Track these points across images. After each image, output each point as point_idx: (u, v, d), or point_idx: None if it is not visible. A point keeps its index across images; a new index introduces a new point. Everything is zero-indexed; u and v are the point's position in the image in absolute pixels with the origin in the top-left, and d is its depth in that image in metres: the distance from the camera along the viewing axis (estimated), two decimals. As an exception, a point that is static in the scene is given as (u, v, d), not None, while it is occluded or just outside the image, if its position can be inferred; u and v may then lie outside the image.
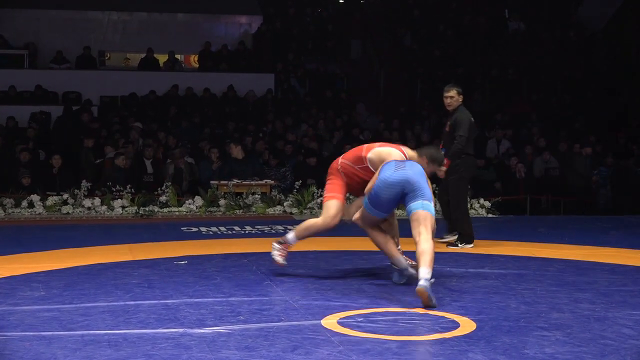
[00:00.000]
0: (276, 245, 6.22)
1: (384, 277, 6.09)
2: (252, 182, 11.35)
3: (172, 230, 9.25)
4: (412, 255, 5.56)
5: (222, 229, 9.31)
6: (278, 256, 6.19)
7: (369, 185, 5.77)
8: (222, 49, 17.90)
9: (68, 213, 10.59)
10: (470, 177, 8.16)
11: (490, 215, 11.13)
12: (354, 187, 6.14)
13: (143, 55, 17.66)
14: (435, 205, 5.78)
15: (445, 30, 19.01)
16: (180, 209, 10.96)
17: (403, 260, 5.81)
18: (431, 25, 19.14)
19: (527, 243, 8.19)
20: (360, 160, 6.02)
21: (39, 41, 17.85)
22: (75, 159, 12.61)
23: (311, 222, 6.22)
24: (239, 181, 11.29)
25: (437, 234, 6.40)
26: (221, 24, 19.40)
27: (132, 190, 10.97)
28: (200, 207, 10.95)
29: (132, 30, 18.78)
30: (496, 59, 18.33)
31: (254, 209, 10.94)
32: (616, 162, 13.71)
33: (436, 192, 7.74)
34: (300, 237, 6.20)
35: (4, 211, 10.50)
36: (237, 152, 11.85)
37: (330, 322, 4.71)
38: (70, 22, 18.28)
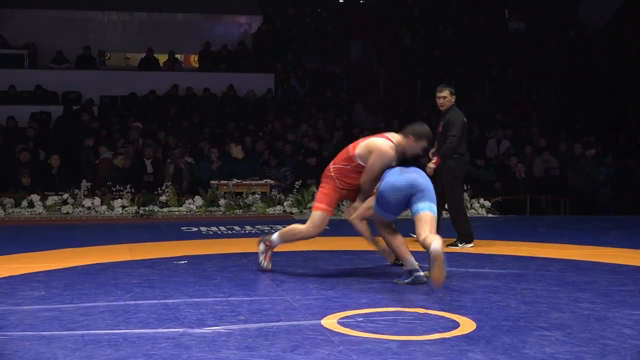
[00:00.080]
0: (261, 247, 6.29)
1: (384, 277, 6.10)
2: (252, 182, 11.36)
3: (172, 230, 9.25)
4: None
5: (222, 228, 9.31)
6: (264, 261, 6.26)
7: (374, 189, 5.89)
8: (222, 49, 17.91)
9: (68, 213, 10.59)
10: (464, 177, 8.18)
11: (490, 215, 11.13)
12: (352, 189, 6.15)
13: (143, 55, 17.66)
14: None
15: (445, 30, 19.01)
16: (180, 208, 10.96)
17: (414, 261, 5.83)
18: (431, 25, 19.15)
19: (527, 243, 8.20)
20: (350, 159, 6.05)
21: (39, 41, 17.85)
22: (75, 158, 12.60)
23: (296, 228, 6.25)
24: (239, 181, 11.30)
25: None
26: (221, 24, 19.40)
27: (132, 190, 10.97)
28: (200, 207, 10.95)
29: (132, 30, 18.79)
30: (496, 59, 18.33)
31: (254, 208, 10.95)
32: (616, 162, 13.71)
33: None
34: (284, 241, 6.27)
35: (4, 211, 10.50)
36: (237, 151, 11.86)
37: (330, 321, 4.71)
38: (70, 22, 18.28)
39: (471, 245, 7.76)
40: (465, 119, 7.80)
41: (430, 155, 7.79)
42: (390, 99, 17.44)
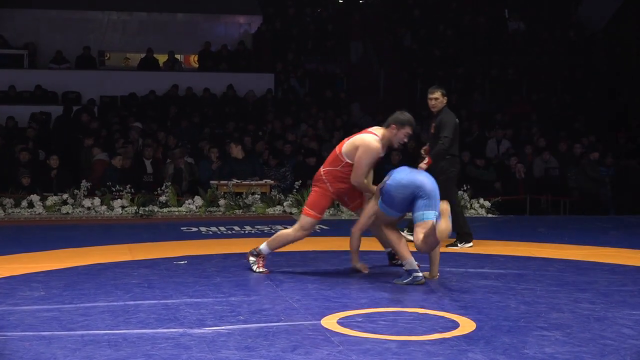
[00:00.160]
0: (252, 259, 6.30)
1: (383, 277, 6.10)
2: (251, 182, 11.35)
3: (171, 230, 9.25)
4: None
5: (222, 229, 9.31)
6: (258, 268, 6.25)
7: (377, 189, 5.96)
8: (222, 49, 17.90)
9: (68, 213, 10.59)
10: (458, 177, 8.18)
11: (490, 215, 11.13)
12: (343, 191, 6.15)
13: (143, 55, 17.65)
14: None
15: (445, 30, 19.01)
16: (180, 209, 10.96)
17: (414, 262, 5.85)
18: (431, 25, 19.14)
19: (527, 243, 8.20)
20: (338, 160, 6.07)
21: (38, 41, 17.84)
22: (74, 159, 12.60)
23: (283, 233, 6.30)
24: (239, 181, 11.29)
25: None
26: (221, 24, 19.39)
27: (132, 190, 10.97)
28: (200, 207, 10.95)
29: (131, 30, 18.78)
30: (496, 59, 18.33)
31: (253, 209, 10.94)
32: (616, 162, 13.71)
33: None
34: (273, 248, 6.31)
35: (4, 211, 10.50)
36: (237, 151, 11.85)
37: (330, 321, 4.71)
38: (70, 22, 18.27)
39: (470, 244, 7.77)
40: (457, 120, 7.82)
41: (422, 152, 7.83)
42: (390, 99, 17.43)
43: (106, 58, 18.87)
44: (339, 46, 18.58)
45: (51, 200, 10.65)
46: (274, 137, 14.37)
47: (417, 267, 5.85)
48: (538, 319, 4.81)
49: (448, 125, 7.63)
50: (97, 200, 10.74)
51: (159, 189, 11.18)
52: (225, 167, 11.72)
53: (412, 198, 5.75)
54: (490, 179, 12.85)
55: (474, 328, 4.58)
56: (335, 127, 15.14)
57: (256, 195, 11.08)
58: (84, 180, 10.98)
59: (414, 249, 5.97)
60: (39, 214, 10.55)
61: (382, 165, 8.04)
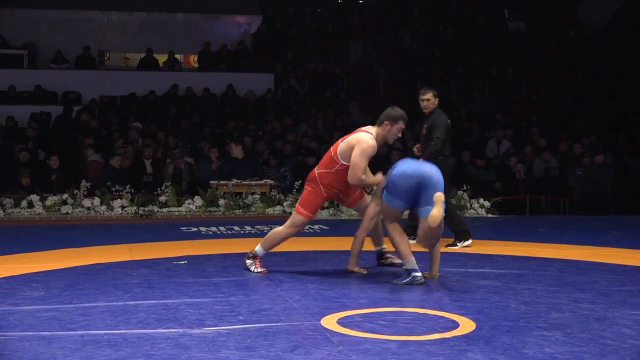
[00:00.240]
0: (248, 262, 6.30)
1: (383, 277, 6.09)
2: (251, 182, 11.34)
3: (171, 230, 9.24)
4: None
5: (222, 228, 9.30)
6: (256, 269, 6.25)
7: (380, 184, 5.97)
8: (222, 49, 17.90)
9: (67, 213, 10.58)
10: (450, 177, 8.18)
11: (490, 215, 11.12)
12: (335, 193, 6.15)
13: (142, 55, 17.65)
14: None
15: (445, 30, 19.01)
16: (179, 209, 10.95)
17: (414, 262, 5.84)
18: (431, 25, 19.14)
19: (526, 243, 8.19)
20: (333, 162, 6.06)
21: (38, 41, 17.84)
22: (74, 159, 12.59)
23: (275, 232, 6.29)
24: (239, 181, 11.28)
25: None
26: (221, 24, 19.39)
27: (132, 190, 10.96)
28: (199, 207, 10.95)
29: (131, 30, 18.77)
30: (496, 59, 18.33)
31: (253, 209, 10.94)
32: (616, 162, 13.70)
33: None
34: (267, 248, 6.31)
35: (4, 211, 10.49)
36: (237, 151, 11.83)
37: (329, 321, 4.70)
38: (70, 22, 18.27)
39: (469, 242, 7.76)
40: (448, 120, 7.83)
41: (415, 150, 7.84)
42: (390, 99, 17.39)
43: (106, 58, 18.87)
44: (339, 46, 18.58)
45: (51, 200, 10.65)
46: (273, 137, 14.37)
47: (417, 267, 5.84)
48: (538, 319, 4.80)
49: (440, 126, 7.65)
50: (96, 200, 10.74)
51: (158, 189, 11.17)
52: (225, 167, 11.71)
53: (417, 188, 5.74)
54: (490, 179, 12.85)
55: (473, 328, 4.58)
56: (335, 127, 15.13)
57: (256, 195, 11.07)
58: (83, 180, 10.97)
59: (415, 249, 5.98)
60: (39, 214, 10.55)
61: (381, 164, 8.02)
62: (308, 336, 4.40)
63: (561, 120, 16.36)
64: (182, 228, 9.37)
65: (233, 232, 9.08)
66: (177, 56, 18.38)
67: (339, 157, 6.04)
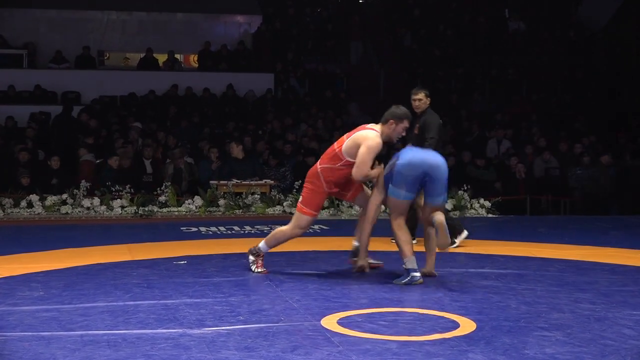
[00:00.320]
0: (251, 258, 6.28)
1: (383, 277, 6.08)
2: (251, 182, 11.33)
3: (171, 230, 9.24)
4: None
5: (222, 229, 9.29)
6: (257, 268, 6.23)
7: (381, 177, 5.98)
8: (222, 49, 17.88)
9: (67, 213, 10.57)
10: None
11: (490, 215, 11.11)
12: (338, 188, 6.14)
13: (142, 55, 17.63)
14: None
15: (445, 30, 19.00)
16: (179, 209, 10.94)
17: (414, 262, 5.82)
18: (431, 25, 19.13)
19: (527, 243, 8.19)
20: (337, 158, 6.05)
21: (38, 41, 17.82)
22: (74, 158, 12.57)
23: (280, 231, 6.26)
24: (239, 181, 11.27)
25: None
26: (221, 24, 19.38)
27: (132, 190, 10.95)
28: (199, 207, 10.94)
29: (131, 30, 18.76)
30: (496, 59, 18.32)
31: (253, 209, 10.93)
32: (616, 162, 13.68)
33: None
34: (270, 246, 6.28)
35: (3, 211, 10.48)
36: (237, 151, 11.80)
37: (329, 322, 4.70)
38: (70, 22, 18.25)
39: (466, 233, 7.74)
40: (440, 120, 7.83)
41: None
42: (390, 99, 17.36)
43: (106, 58, 18.85)
44: (339, 46, 18.56)
45: (50, 200, 10.63)
46: (273, 137, 14.36)
47: (416, 267, 5.83)
48: (538, 319, 4.80)
49: (433, 126, 7.65)
50: (96, 200, 10.73)
51: (158, 189, 11.16)
52: (225, 167, 11.70)
53: (423, 177, 5.76)
54: (491, 179, 12.84)
55: (474, 328, 4.57)
56: (335, 127, 15.12)
57: (256, 195, 11.06)
58: (83, 181, 10.96)
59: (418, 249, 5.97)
60: (38, 214, 10.54)
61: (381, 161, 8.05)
62: (308, 336, 4.40)
63: (561, 120, 16.36)
64: (182, 228, 9.36)
65: (233, 232, 9.08)
66: (177, 56, 18.36)
67: (344, 154, 6.02)
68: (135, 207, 10.70)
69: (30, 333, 4.44)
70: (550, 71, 18.17)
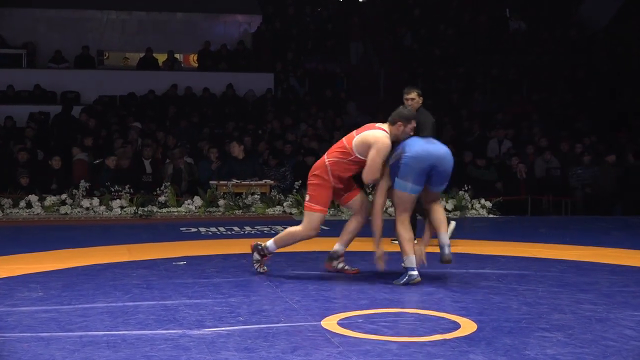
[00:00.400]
0: (256, 257, 6.19)
1: (384, 278, 6.06)
2: (251, 182, 11.31)
3: (171, 231, 9.22)
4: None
5: (222, 229, 9.28)
6: (259, 268, 6.18)
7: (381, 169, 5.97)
8: (222, 49, 17.87)
9: (66, 213, 10.56)
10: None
11: (491, 216, 11.10)
12: (343, 183, 6.10)
13: (142, 55, 17.62)
14: None
15: (445, 29, 18.98)
16: (179, 209, 10.92)
17: (413, 260, 5.80)
18: (432, 24, 19.12)
19: (528, 243, 8.17)
20: (347, 153, 6.01)
21: (37, 40, 17.80)
22: (71, 158, 12.55)
23: (293, 231, 6.18)
24: (238, 181, 11.25)
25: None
26: (220, 24, 19.36)
27: (131, 190, 10.93)
28: (199, 208, 10.92)
29: (131, 30, 18.74)
30: (497, 59, 18.30)
31: (253, 209, 10.91)
32: (618, 162, 13.65)
33: None
34: (280, 246, 6.20)
35: (2, 211, 10.47)
36: (238, 151, 11.77)
37: (330, 322, 4.68)
38: (69, 22, 18.23)
39: (454, 224, 7.70)
40: (433, 119, 7.81)
41: None
42: (391, 99, 17.38)
43: (105, 57, 18.84)
44: (339, 46, 18.54)
45: (50, 200, 10.62)
46: (273, 137, 14.34)
47: (414, 266, 5.79)
48: (539, 320, 4.78)
49: (426, 126, 7.63)
50: (95, 201, 10.71)
51: (158, 189, 11.14)
52: (225, 167, 11.68)
53: (430, 170, 5.79)
54: (492, 179, 12.82)
55: (475, 329, 4.56)
56: (335, 127, 15.11)
57: (256, 196, 11.05)
58: (82, 181, 10.94)
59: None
60: (38, 214, 10.52)
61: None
62: (308, 337, 4.38)
63: (562, 120, 16.34)
64: (181, 228, 9.35)
65: (233, 232, 9.06)
66: (177, 56, 18.35)
67: (354, 151, 5.97)
68: (134, 208, 10.68)
69: (29, 334, 4.43)
70: (551, 71, 18.15)
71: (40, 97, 15.92)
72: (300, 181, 11.33)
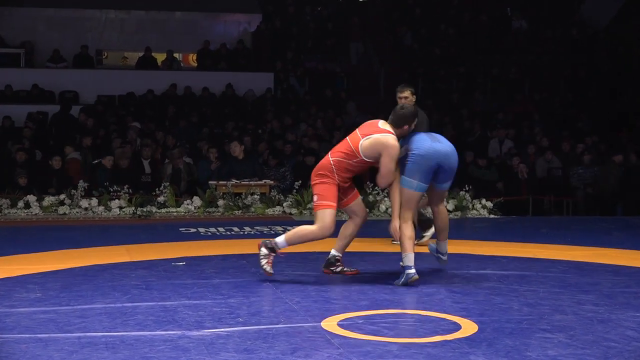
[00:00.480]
0: (264, 251, 5.98)
1: (384, 279, 6.04)
2: (251, 183, 11.28)
3: (170, 231, 9.18)
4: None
5: (221, 229, 9.24)
6: (266, 265, 5.96)
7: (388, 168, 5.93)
8: (221, 48, 17.86)
9: (65, 214, 10.53)
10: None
11: (492, 216, 11.06)
12: (347, 182, 6.06)
13: (141, 54, 17.61)
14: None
15: (446, 29, 18.97)
16: (178, 209, 10.89)
17: (412, 259, 5.77)
18: (432, 24, 19.11)
19: (529, 244, 8.15)
20: (353, 154, 5.94)
21: (35, 40, 17.79)
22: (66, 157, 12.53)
23: (306, 230, 6.02)
24: (238, 181, 11.22)
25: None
26: (220, 23, 19.35)
27: (130, 190, 10.90)
28: (198, 208, 10.89)
29: (129, 29, 18.73)
30: (498, 58, 18.29)
31: (253, 209, 10.88)
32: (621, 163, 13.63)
33: None
34: (291, 244, 6.03)
35: (0, 212, 10.43)
36: (239, 151, 11.73)
37: (330, 324, 4.66)
38: (67, 21, 18.23)
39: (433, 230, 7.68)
40: (427, 118, 7.78)
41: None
42: (391, 99, 17.32)
43: (104, 57, 18.84)
44: (339, 45, 18.54)
45: (48, 200, 10.59)
46: (273, 136, 14.32)
47: (412, 265, 5.74)
48: (541, 321, 4.76)
49: (423, 124, 7.58)
50: (94, 201, 10.67)
51: (157, 189, 11.11)
52: (224, 167, 11.65)
53: (436, 168, 5.81)
54: (492, 179, 12.81)
55: (476, 330, 4.54)
56: (335, 127, 15.09)
57: (255, 196, 11.01)
58: (81, 181, 10.91)
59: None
60: (36, 214, 10.49)
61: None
62: (308, 338, 4.36)
63: (564, 120, 16.33)
64: (180, 229, 9.31)
65: (232, 233, 9.03)
66: (176, 55, 18.36)
67: (361, 153, 5.89)
68: (133, 208, 10.65)
69: (27, 335, 4.41)
70: (553, 70, 18.14)
71: (38, 97, 15.90)
72: (300, 181, 11.31)
